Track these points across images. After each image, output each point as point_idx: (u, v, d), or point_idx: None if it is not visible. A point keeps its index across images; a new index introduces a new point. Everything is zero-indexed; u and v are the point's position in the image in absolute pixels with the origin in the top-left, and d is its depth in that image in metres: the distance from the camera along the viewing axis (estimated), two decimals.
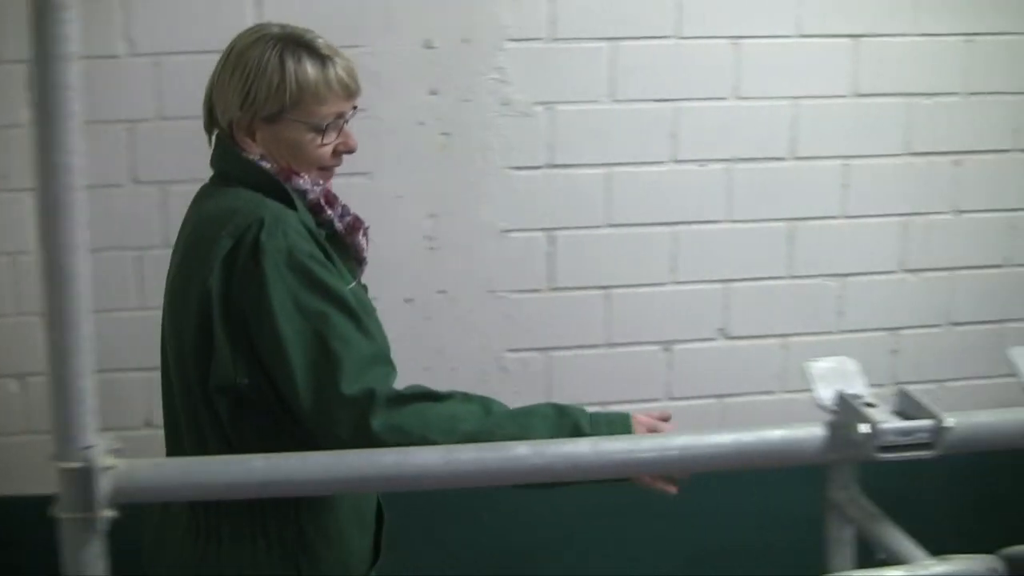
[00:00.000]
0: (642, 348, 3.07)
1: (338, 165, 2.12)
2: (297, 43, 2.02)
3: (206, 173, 2.82)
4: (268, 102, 1.99)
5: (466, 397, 1.95)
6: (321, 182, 2.08)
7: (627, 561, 3.17)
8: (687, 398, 3.07)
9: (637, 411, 2.01)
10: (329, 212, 2.09)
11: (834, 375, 1.72)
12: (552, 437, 1.87)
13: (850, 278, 3.19)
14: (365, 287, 2.17)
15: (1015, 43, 3.19)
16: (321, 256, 1.94)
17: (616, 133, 2.96)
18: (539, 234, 2.96)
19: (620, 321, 3.03)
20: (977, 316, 3.29)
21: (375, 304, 2.10)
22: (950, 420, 1.55)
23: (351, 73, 2.06)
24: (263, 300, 1.88)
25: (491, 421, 1.90)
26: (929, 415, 1.55)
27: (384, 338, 2.03)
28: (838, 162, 3.12)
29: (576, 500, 2.78)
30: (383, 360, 1.94)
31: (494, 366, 2.96)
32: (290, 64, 1.99)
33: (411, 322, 2.91)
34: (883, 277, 3.21)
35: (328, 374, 1.87)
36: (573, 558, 3.12)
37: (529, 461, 1.49)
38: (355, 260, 2.16)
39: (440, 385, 1.94)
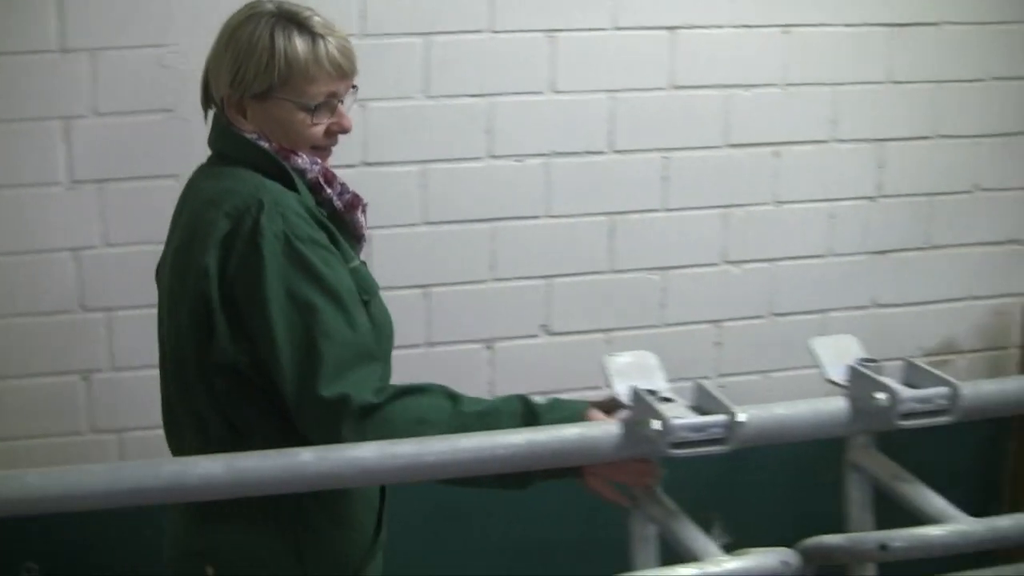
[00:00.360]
0: (464, 347, 3.04)
1: (333, 145, 2.09)
2: (290, 20, 1.99)
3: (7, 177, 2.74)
4: (257, 79, 1.97)
5: (443, 394, 1.91)
6: (319, 161, 2.06)
7: (445, 560, 3.14)
8: None
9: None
10: (328, 191, 2.07)
11: (633, 370, 1.70)
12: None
13: (672, 271, 3.20)
14: (364, 263, 2.13)
15: (831, 34, 3.24)
16: (323, 239, 1.94)
17: (431, 129, 2.92)
18: None
19: (440, 320, 2.99)
20: (799, 307, 3.33)
21: None
22: (742, 415, 1.53)
23: (345, 52, 2.02)
24: (258, 286, 1.88)
25: (458, 423, 1.86)
26: (723, 410, 1.53)
27: (385, 321, 2.07)
28: (657, 155, 3.13)
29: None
30: (366, 358, 1.92)
31: None
32: (280, 41, 1.97)
33: None
34: (705, 269, 3.23)
35: (310, 372, 1.86)
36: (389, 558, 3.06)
37: (314, 468, 1.44)
38: (354, 238, 2.13)
39: None
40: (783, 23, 3.19)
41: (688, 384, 1.62)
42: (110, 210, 2.75)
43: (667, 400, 1.58)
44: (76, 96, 2.76)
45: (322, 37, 1.99)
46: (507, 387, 3.01)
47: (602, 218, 3.10)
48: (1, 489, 1.31)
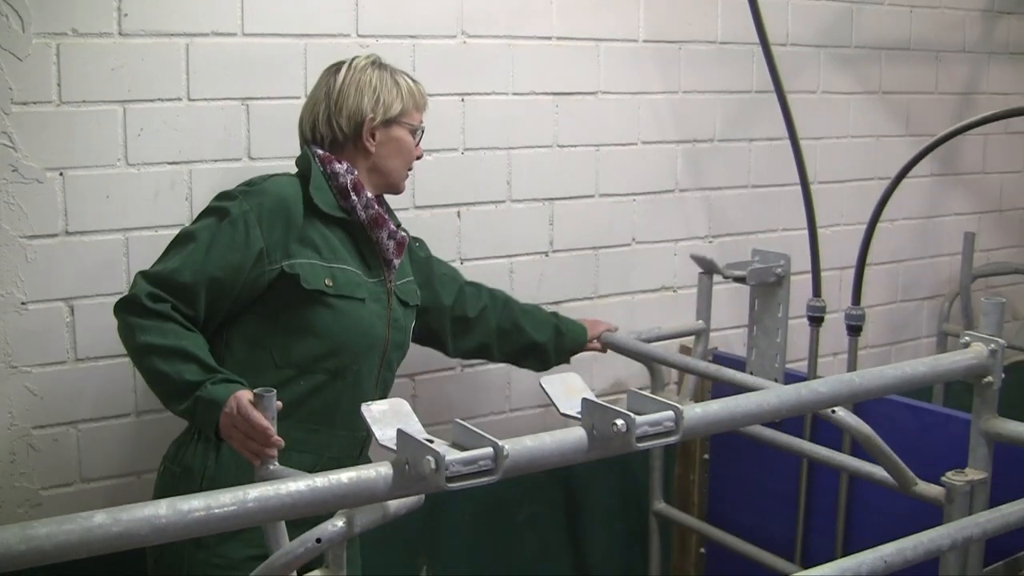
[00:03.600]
0: None
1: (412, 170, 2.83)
2: (394, 68, 2.75)
3: None
4: (393, 104, 2.68)
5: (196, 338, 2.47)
6: (356, 171, 2.66)
7: None
8: None
9: None
10: (354, 198, 2.64)
11: (390, 416, 1.82)
12: (185, 379, 2.36)
13: None
14: (386, 286, 2.72)
15: (504, 102, 3.47)
16: (257, 222, 2.52)
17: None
18: (60, 304, 2.83)
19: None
20: None
21: None
22: (507, 447, 1.69)
23: None
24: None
25: (169, 344, 2.40)
26: (487, 443, 1.68)
27: (339, 327, 2.61)
28: None
29: None
30: (178, 286, 2.45)
31: (22, 444, 2.79)
32: (400, 79, 2.73)
33: None
34: None
35: (161, 256, 2.54)
36: None
37: (110, 530, 1.47)
38: (377, 255, 2.70)
39: None
40: (460, 92, 3.39)
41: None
42: None
43: (429, 440, 1.71)
44: None
45: (416, 81, 2.77)
46: None
47: None
48: None
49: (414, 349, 3.19)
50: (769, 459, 3.58)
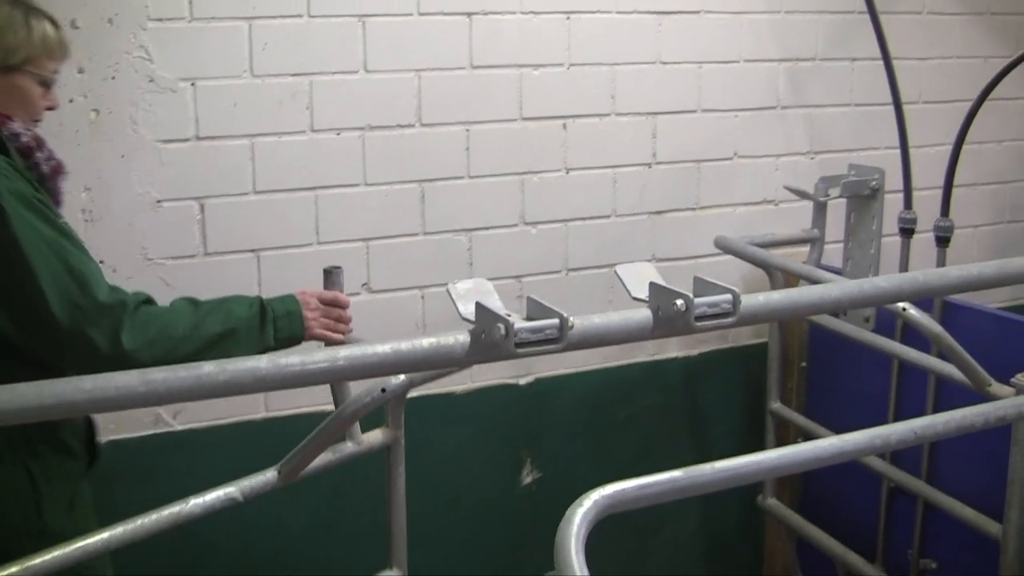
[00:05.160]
0: None
1: (42, 121, 2.39)
2: (31, 7, 2.31)
3: None
4: (15, 52, 2.26)
5: (180, 299, 2.31)
6: (31, 128, 2.33)
7: None
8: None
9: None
10: (38, 154, 2.33)
11: (473, 293, 2.00)
12: (247, 314, 2.31)
13: (477, 232, 3.50)
14: None
15: (607, 20, 3.60)
16: (36, 193, 2.18)
17: (258, 105, 3.14)
18: (192, 203, 3.10)
19: (271, 282, 3.15)
20: (589, 262, 3.69)
21: None
22: (572, 318, 1.86)
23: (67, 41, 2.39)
24: (8, 236, 2.10)
25: (202, 310, 2.28)
26: (554, 315, 1.86)
27: None
28: (460, 127, 3.42)
29: None
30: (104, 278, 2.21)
31: None
32: (33, 22, 2.29)
33: None
34: (506, 230, 3.54)
35: (80, 287, 2.14)
36: None
37: (217, 378, 1.69)
38: (58, 204, 2.36)
39: None
40: (566, 10, 3.52)
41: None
42: None
43: (506, 314, 1.90)
44: None
45: (59, 26, 2.36)
46: None
47: (413, 185, 3.37)
48: None
49: (520, 251, 3.39)
50: (864, 366, 3.70)
